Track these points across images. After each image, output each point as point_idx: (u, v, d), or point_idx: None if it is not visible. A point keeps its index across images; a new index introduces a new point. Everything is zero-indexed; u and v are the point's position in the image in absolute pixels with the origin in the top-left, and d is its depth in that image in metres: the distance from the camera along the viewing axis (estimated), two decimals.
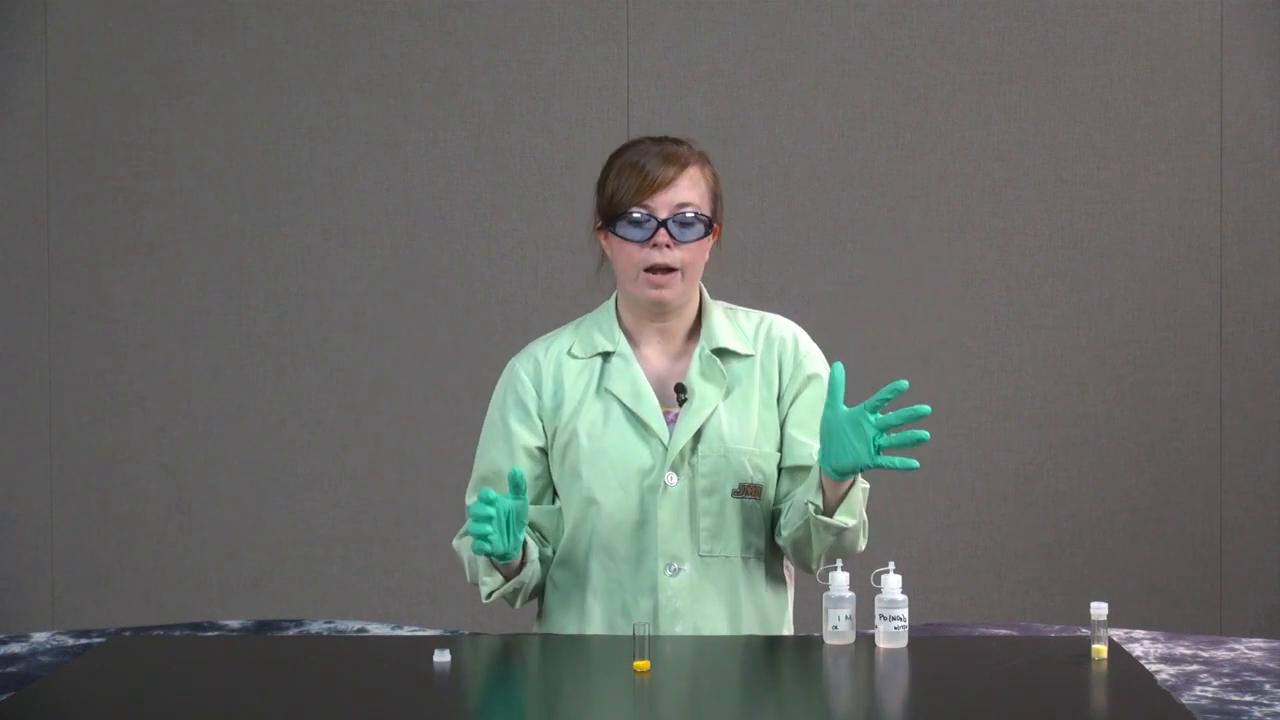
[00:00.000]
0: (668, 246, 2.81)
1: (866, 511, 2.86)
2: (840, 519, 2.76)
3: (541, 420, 2.90)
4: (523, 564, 2.81)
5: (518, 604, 2.89)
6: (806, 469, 2.87)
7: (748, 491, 2.85)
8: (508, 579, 2.81)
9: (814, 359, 2.93)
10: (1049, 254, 5.07)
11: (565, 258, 5.04)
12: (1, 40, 5.09)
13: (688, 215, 2.83)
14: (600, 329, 2.92)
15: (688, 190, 2.84)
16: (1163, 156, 5.05)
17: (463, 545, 2.90)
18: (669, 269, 2.82)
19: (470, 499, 2.90)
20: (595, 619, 2.84)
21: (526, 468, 2.88)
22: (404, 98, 5.10)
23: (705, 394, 2.85)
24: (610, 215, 2.84)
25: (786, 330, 2.94)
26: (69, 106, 5.09)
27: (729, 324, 2.92)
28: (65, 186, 5.10)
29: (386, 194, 5.11)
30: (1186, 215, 5.05)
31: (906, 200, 5.07)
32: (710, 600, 2.83)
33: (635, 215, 2.82)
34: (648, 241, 2.81)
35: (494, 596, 2.83)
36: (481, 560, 2.79)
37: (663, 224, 2.81)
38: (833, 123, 5.07)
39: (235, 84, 5.10)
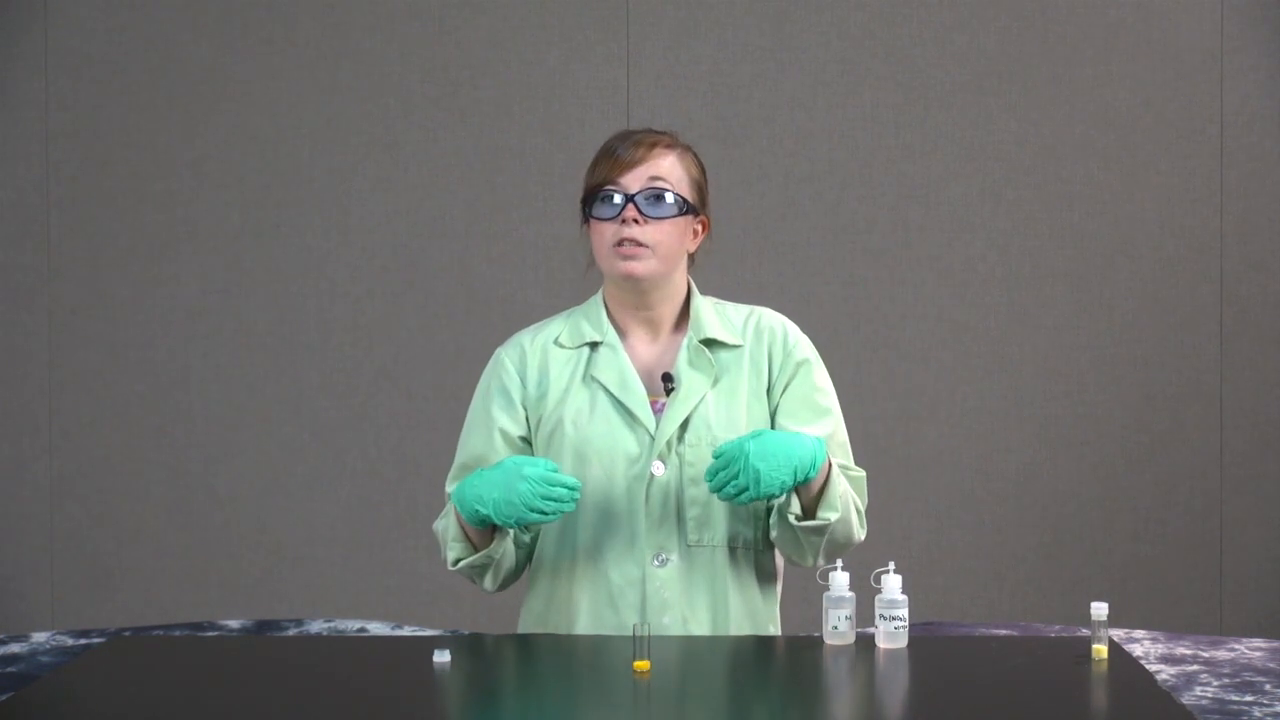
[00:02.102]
0: (636, 222, 2.81)
1: (868, 496, 2.85)
2: (823, 516, 2.75)
3: (525, 409, 2.89)
4: (493, 536, 2.80)
5: (486, 583, 2.86)
6: None
7: None
8: (478, 549, 2.80)
9: (803, 347, 2.92)
10: (1049, 254, 5.07)
11: (565, 258, 5.04)
12: (1, 40, 5.09)
13: (658, 189, 2.82)
14: (588, 319, 2.92)
15: (660, 168, 2.84)
16: (1163, 156, 5.05)
17: (446, 526, 2.88)
18: (637, 244, 2.82)
19: (451, 486, 2.90)
20: (582, 610, 2.83)
21: (507, 456, 2.87)
22: (404, 98, 5.10)
23: (693, 383, 2.85)
24: (585, 202, 2.85)
25: (776, 321, 2.93)
26: (69, 106, 5.09)
27: (717, 317, 2.92)
28: (65, 186, 5.10)
29: (386, 194, 5.11)
30: (1186, 215, 5.05)
31: (906, 200, 5.07)
32: (698, 591, 2.82)
33: (605, 193, 2.83)
34: (617, 218, 2.82)
35: (460, 565, 2.81)
36: (453, 526, 2.79)
37: (630, 199, 2.81)
38: (833, 123, 5.07)
39: (235, 84, 5.10)
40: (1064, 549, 5.06)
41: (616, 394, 2.84)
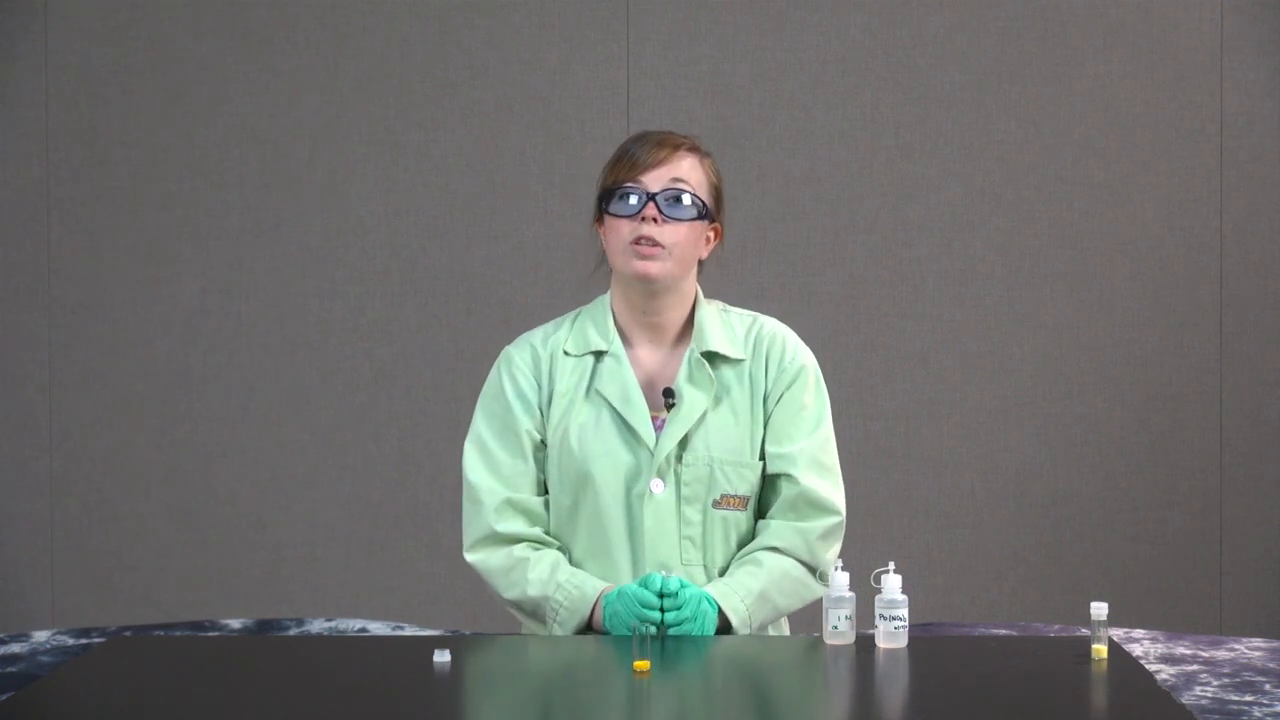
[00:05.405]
0: (655, 221, 2.80)
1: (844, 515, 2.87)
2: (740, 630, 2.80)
3: (541, 412, 2.89)
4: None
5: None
6: (776, 478, 2.86)
7: (730, 503, 2.83)
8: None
9: (800, 358, 2.91)
10: (1049, 254, 5.07)
11: (565, 258, 5.04)
12: (1, 40, 5.09)
13: (679, 191, 2.82)
14: (595, 325, 2.90)
15: (681, 170, 2.83)
16: (1163, 156, 5.05)
17: (494, 564, 2.87)
18: (654, 243, 2.81)
19: (479, 477, 2.87)
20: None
21: (530, 452, 2.86)
22: (404, 98, 5.10)
23: (693, 400, 2.83)
24: (603, 199, 2.84)
25: (776, 332, 2.92)
26: (69, 106, 5.09)
27: (721, 326, 2.90)
28: (65, 186, 5.10)
29: (386, 194, 5.11)
30: (1186, 215, 5.05)
31: (906, 200, 5.07)
32: None
33: (625, 191, 2.82)
34: (636, 215, 2.81)
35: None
36: (563, 607, 2.79)
37: (651, 198, 2.81)
38: (833, 123, 5.07)
39: (235, 84, 5.10)
40: (1064, 549, 5.06)
41: (619, 409, 2.83)
